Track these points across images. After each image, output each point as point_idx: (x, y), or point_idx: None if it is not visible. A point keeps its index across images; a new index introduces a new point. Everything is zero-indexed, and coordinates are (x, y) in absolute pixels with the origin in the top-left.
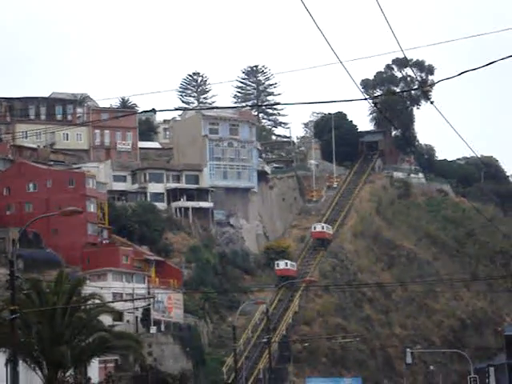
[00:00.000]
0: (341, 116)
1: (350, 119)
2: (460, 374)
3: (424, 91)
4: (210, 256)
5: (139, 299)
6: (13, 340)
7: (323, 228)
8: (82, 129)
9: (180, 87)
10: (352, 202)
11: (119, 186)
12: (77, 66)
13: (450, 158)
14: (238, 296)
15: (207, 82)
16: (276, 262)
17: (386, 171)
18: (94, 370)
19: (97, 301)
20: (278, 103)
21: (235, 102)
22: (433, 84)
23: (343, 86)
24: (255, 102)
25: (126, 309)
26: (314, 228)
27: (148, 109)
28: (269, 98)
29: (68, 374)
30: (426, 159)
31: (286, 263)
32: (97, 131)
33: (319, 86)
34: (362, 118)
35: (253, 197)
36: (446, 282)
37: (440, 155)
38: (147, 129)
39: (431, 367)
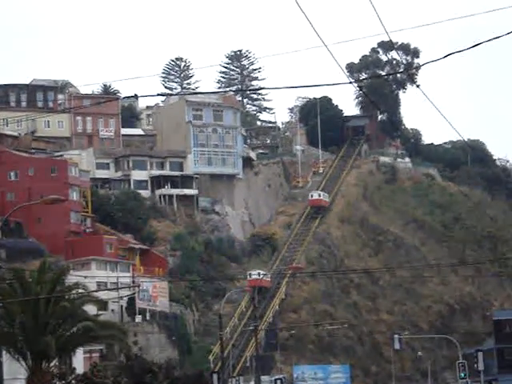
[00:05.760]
0: (326, 100)
1: (335, 104)
2: (448, 360)
3: (410, 74)
4: (196, 244)
5: (124, 288)
6: None
7: (320, 196)
8: (63, 116)
9: (163, 72)
10: (338, 188)
11: (102, 174)
12: (57, 52)
13: (436, 142)
14: (224, 284)
15: (190, 67)
16: (248, 273)
17: (373, 156)
18: (79, 360)
19: (81, 290)
20: (263, 88)
21: (219, 87)
22: (418, 67)
23: (328, 70)
24: (239, 87)
25: (111, 298)
26: (311, 196)
27: (130, 95)
28: (253, 82)
29: (52, 364)
30: (412, 143)
31: (259, 273)
32: (78, 118)
33: (304, 71)
34: (347, 102)
35: (238, 183)
36: (434, 267)
37: (426, 139)
38: (130, 115)
39: (419, 353)
